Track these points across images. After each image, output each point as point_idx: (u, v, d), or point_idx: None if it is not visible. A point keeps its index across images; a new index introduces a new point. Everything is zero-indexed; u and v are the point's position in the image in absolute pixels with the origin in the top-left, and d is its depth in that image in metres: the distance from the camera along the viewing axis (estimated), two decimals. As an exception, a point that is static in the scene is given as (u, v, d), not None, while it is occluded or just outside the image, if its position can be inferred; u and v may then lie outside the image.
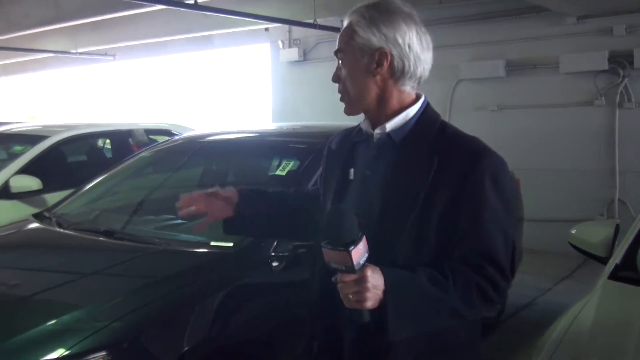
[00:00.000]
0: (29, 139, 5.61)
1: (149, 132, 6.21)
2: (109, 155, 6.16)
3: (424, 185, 1.53)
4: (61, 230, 3.30)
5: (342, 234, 1.37)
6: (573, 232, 2.59)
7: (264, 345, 2.67)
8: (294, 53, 9.77)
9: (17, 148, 6.09)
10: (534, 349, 1.97)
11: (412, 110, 1.63)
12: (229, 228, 1.89)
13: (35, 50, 11.75)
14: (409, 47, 1.58)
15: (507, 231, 1.57)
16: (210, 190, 1.86)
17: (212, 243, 2.87)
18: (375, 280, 1.39)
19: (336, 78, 1.67)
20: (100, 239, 3.08)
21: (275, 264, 2.79)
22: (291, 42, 9.89)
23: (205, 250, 2.86)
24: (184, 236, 3.05)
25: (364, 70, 1.60)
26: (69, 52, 11.73)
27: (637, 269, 2.14)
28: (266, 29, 9.99)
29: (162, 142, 4.59)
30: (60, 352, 2.12)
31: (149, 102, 15.11)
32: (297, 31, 9.54)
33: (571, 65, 6.80)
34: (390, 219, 1.54)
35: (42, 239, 3.31)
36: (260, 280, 2.81)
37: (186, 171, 4.20)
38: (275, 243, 2.80)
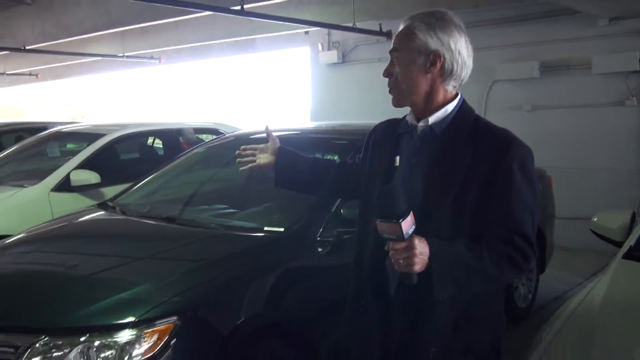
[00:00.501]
0: (86, 137, 6.02)
1: (197, 130, 6.58)
2: (160, 152, 6.54)
3: (461, 171, 1.82)
4: (126, 217, 3.68)
5: (394, 209, 1.65)
6: (594, 219, 2.83)
7: (307, 321, 2.95)
8: (333, 55, 10.06)
9: (70, 146, 6.52)
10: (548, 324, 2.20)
11: (451, 106, 1.92)
12: (277, 183, 2.32)
13: (85, 54, 12.26)
14: (459, 52, 1.87)
15: (533, 209, 1.83)
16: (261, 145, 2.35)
17: (266, 228, 3.19)
18: (421, 247, 1.67)
19: (387, 73, 1.94)
20: (163, 224, 3.43)
21: (320, 248, 3.08)
22: (330, 45, 10.19)
23: (259, 234, 3.17)
24: (240, 222, 3.37)
25: (418, 69, 1.87)
26: (116, 56, 12.23)
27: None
28: (306, 33, 10.29)
29: (214, 140, 4.95)
30: (132, 315, 2.45)
31: (193, 103, 15.59)
32: (336, 34, 9.83)
33: (603, 66, 6.98)
34: (433, 199, 1.82)
35: (110, 224, 3.68)
36: (307, 263, 3.09)
37: (235, 166, 4.52)
38: (321, 229, 3.10)
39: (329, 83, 10.35)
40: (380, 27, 8.49)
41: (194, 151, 4.60)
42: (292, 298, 2.92)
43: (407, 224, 1.65)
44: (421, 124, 1.93)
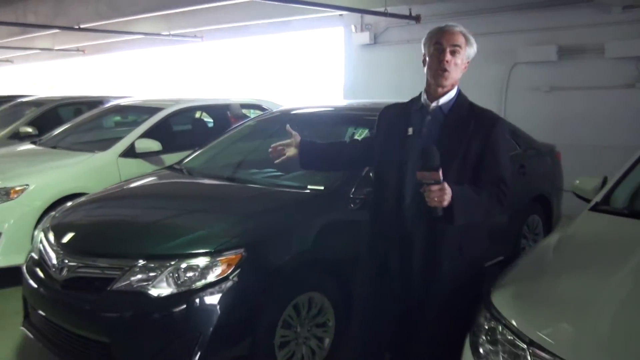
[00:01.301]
0: (145, 110, 6.78)
1: (243, 106, 7.32)
2: (209, 125, 7.30)
3: (465, 138, 2.59)
4: (192, 177, 4.46)
5: (434, 162, 2.38)
6: (575, 183, 3.51)
7: (341, 260, 3.66)
8: (365, 37, 10.69)
9: (131, 117, 7.29)
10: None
11: (453, 92, 2.68)
12: (302, 167, 3.17)
13: (136, 32, 13.07)
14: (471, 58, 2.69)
15: (508, 164, 2.64)
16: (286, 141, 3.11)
17: (309, 187, 3.92)
18: (449, 189, 2.40)
19: (448, 65, 2.61)
20: (225, 183, 4.21)
21: (352, 205, 3.80)
22: (363, 27, 10.81)
23: (304, 191, 3.91)
24: (288, 182, 4.12)
25: (461, 66, 2.66)
26: (163, 34, 13.03)
27: (610, 204, 3.07)
28: (340, 15, 10.92)
29: (261, 114, 5.70)
30: (209, 247, 3.22)
31: (233, 79, 16.31)
32: (369, 17, 10.41)
33: (616, 51, 7.52)
34: (445, 158, 2.48)
35: (182, 182, 4.47)
36: (341, 215, 3.80)
37: (280, 137, 5.26)
38: (353, 189, 3.81)
39: (361, 63, 10.99)
40: (410, 12, 9.10)
41: (246, 124, 5.36)
42: (329, 241, 3.64)
43: (441, 172, 2.37)
44: (434, 104, 2.65)
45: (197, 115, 7.66)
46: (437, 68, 2.61)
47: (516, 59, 8.52)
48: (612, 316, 2.13)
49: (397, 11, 8.97)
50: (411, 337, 2.75)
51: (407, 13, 9.09)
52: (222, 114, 7.22)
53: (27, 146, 6.78)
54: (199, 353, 3.07)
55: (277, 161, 3.16)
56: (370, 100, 6.13)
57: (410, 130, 2.69)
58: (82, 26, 11.71)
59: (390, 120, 2.84)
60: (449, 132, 2.61)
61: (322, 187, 3.86)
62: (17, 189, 5.37)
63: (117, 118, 7.54)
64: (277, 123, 5.28)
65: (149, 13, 10.42)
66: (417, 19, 9.07)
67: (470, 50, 2.66)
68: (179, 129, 7.06)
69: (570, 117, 7.98)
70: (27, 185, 5.39)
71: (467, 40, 2.65)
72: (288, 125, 3.17)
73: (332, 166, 3.30)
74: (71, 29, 12.14)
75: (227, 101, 7.41)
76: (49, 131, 7.40)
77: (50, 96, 10.13)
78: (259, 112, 6.80)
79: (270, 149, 3.18)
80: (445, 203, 2.40)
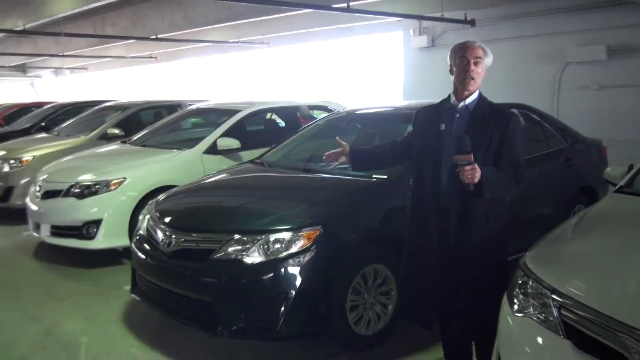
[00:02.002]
0: (223, 112, 7.52)
1: (310, 107, 7.98)
2: (280, 125, 8.01)
3: (488, 131, 3.18)
4: (273, 169, 5.16)
5: (467, 146, 2.99)
6: (607, 170, 4.02)
7: (399, 236, 4.26)
8: (423, 40, 11.26)
9: (210, 119, 8.03)
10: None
11: (476, 94, 3.27)
12: (353, 169, 3.81)
13: (208, 41, 13.96)
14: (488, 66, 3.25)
15: (522, 151, 3.26)
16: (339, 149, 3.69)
17: (374, 176, 4.55)
18: (479, 168, 3.00)
19: (473, 73, 3.21)
20: (302, 174, 4.89)
21: (409, 192, 4.40)
22: (421, 31, 11.39)
23: (370, 179, 4.54)
24: (357, 173, 4.76)
25: (482, 73, 3.24)
26: (232, 42, 13.88)
27: (632, 187, 3.60)
28: (399, 20, 11.51)
29: (330, 114, 6.37)
30: (292, 224, 3.89)
31: (298, 82, 17.08)
32: (426, 21, 10.97)
33: (662, 50, 7.89)
34: (474, 150, 3.10)
35: (264, 173, 5.17)
36: (400, 201, 4.35)
37: (346, 134, 5.92)
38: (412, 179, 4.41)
39: (419, 65, 11.56)
40: (466, 16, 9.62)
41: (316, 123, 6.04)
42: (391, 221, 4.24)
43: (472, 155, 2.99)
44: (461, 104, 3.26)
45: (269, 116, 8.37)
46: (464, 77, 3.21)
47: (567, 59, 8.94)
48: (616, 269, 2.68)
49: (453, 16, 9.50)
50: (450, 302, 3.34)
51: (463, 18, 9.60)
52: (292, 115, 7.91)
53: (119, 145, 7.63)
54: (284, 310, 3.74)
55: (331, 167, 3.87)
56: (428, 100, 6.69)
57: (442, 126, 3.30)
58: (158, 36, 12.64)
59: (425, 119, 3.46)
60: (474, 126, 3.21)
61: (385, 176, 4.47)
62: (116, 181, 6.19)
63: (198, 120, 8.31)
64: (344, 122, 5.98)
65: (220, 24, 11.24)
66: (472, 22, 9.58)
67: (487, 60, 3.26)
68: (254, 128, 7.78)
69: (618, 114, 8.36)
70: (124, 178, 6.20)
71: (485, 52, 3.24)
72: (337, 137, 3.79)
73: (379, 165, 3.99)
74: (147, 39, 13.10)
75: (296, 103, 8.09)
76: (133, 132, 8.27)
77: (132, 101, 11.02)
78: (325, 113, 7.43)
79: (324, 157, 3.82)
80: (476, 179, 3.01)
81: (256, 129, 7.81)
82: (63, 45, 16.64)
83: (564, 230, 3.19)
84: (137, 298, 4.52)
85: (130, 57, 18.63)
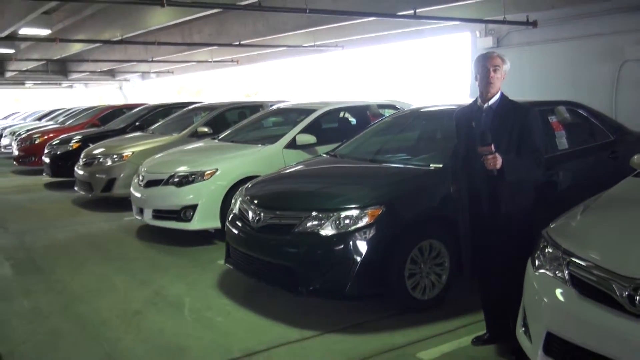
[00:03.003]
0: (301, 112, 8.37)
1: (379, 106, 8.72)
2: (352, 122, 8.79)
3: (509, 125, 3.88)
4: (344, 160, 5.97)
5: (487, 140, 3.71)
6: (633, 159, 4.60)
7: (452, 215, 4.93)
8: (488, 41, 11.81)
9: (290, 118, 8.88)
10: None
11: (498, 95, 3.97)
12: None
13: (287, 45, 14.91)
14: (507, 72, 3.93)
15: (540, 139, 3.94)
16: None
17: (431, 165, 5.27)
18: (499, 157, 3.71)
19: (493, 79, 3.93)
20: (369, 164, 5.68)
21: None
22: (487, 32, 11.94)
23: (428, 168, 5.26)
24: (416, 162, 5.51)
25: (501, 78, 3.93)
26: (308, 45, 14.77)
27: (653, 172, 4.19)
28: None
29: (395, 112, 7.12)
30: (359, 204, 4.67)
31: (369, 82, 17.89)
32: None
33: None
34: (498, 142, 3.80)
35: (336, 164, 5.98)
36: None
37: (411, 130, 6.66)
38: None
39: (485, 65, 12.08)
40: (527, 18, 10.14)
41: (384, 120, 6.81)
42: (444, 202, 4.93)
43: (493, 146, 3.69)
44: (486, 105, 3.95)
45: (342, 114, 9.15)
46: (486, 82, 3.92)
47: (625, 57, 9.32)
48: (613, 234, 3.33)
49: (515, 18, 10.03)
50: (484, 259, 4.05)
51: (525, 20, 10.12)
52: (362, 113, 8.67)
53: (212, 142, 8.61)
54: (352, 275, 4.53)
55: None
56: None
57: (473, 124, 4.01)
58: (241, 42, 13.68)
59: (460, 119, 4.19)
60: (498, 122, 3.91)
61: (441, 165, 5.19)
62: (209, 172, 7.13)
63: (278, 118, 9.21)
64: (409, 119, 6.73)
65: (298, 30, 12.14)
66: (534, 24, 10.09)
67: (505, 67, 3.96)
68: (328, 126, 8.58)
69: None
70: (216, 169, 7.14)
71: (503, 60, 3.95)
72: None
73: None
74: (230, 45, 14.17)
75: (366, 103, 8.85)
76: (220, 131, 9.23)
77: (218, 102, 12.06)
78: (393, 111, 8.16)
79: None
80: (498, 166, 3.72)
81: (330, 126, 8.60)
82: (152, 52, 18.00)
83: (582, 207, 3.84)
84: (230, 267, 5.42)
85: (214, 61, 19.87)
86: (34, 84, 32.52)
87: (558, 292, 3.27)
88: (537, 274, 3.46)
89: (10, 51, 19.63)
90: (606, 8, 9.27)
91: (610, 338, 2.94)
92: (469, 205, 4.08)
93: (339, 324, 4.64)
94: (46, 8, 10.63)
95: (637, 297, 2.85)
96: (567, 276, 3.25)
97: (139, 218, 7.69)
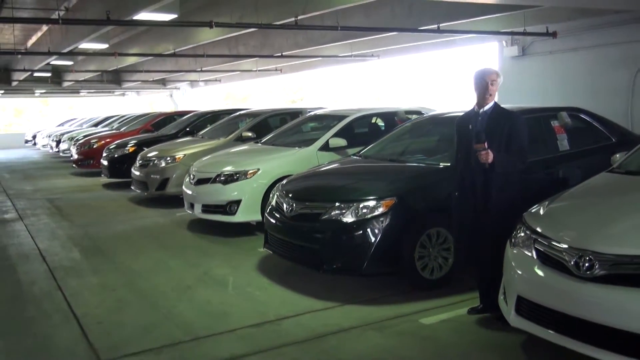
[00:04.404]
0: (335, 117, 9.23)
1: (407, 112, 9.51)
2: (381, 127, 9.61)
3: (500, 129, 4.68)
4: (367, 160, 6.81)
5: (482, 137, 4.54)
6: (614, 157, 5.30)
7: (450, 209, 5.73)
8: (514, 50, 12.52)
9: (325, 123, 9.74)
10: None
11: (492, 103, 4.78)
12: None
13: (326, 56, 15.82)
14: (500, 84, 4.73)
15: (526, 140, 4.74)
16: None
17: (441, 164, 6.06)
18: (491, 152, 4.53)
19: (490, 91, 4.76)
20: (388, 163, 6.52)
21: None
22: (512, 41, 12.62)
23: (439, 166, 6.06)
24: (429, 161, 6.31)
25: (496, 90, 4.76)
26: (344, 55, 15.65)
27: (621, 167, 4.91)
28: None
29: (416, 118, 7.93)
30: (375, 196, 5.50)
31: (403, 89, 18.68)
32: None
33: None
34: (490, 141, 4.62)
35: (360, 163, 6.83)
36: None
37: (428, 135, 7.46)
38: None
39: (511, 72, 12.78)
40: (547, 29, 10.80)
41: (404, 125, 7.63)
42: (451, 196, 5.67)
43: (486, 143, 4.50)
44: (482, 110, 4.76)
45: (374, 120, 9.97)
46: (484, 94, 4.74)
47: (639, 65, 9.91)
48: (572, 216, 4.12)
49: (536, 30, 10.72)
50: (477, 237, 4.83)
51: (544, 31, 10.79)
52: (390, 118, 9.48)
53: (255, 145, 9.56)
54: (368, 255, 5.36)
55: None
56: (521, 105, 7.94)
57: (470, 127, 4.81)
58: (284, 54, 14.64)
59: (461, 122, 5.01)
60: (491, 125, 4.71)
61: (449, 164, 5.97)
62: (252, 171, 8.08)
63: (314, 123, 10.11)
64: (427, 124, 7.54)
65: (335, 42, 13.02)
66: (553, 34, 10.75)
67: (499, 80, 4.80)
68: (359, 130, 9.41)
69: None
70: (258, 169, 8.07)
71: (497, 75, 4.79)
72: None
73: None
74: (272, 56, 15.14)
75: (394, 109, 9.67)
76: (262, 135, 10.17)
77: (261, 109, 13.02)
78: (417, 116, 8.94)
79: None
80: (490, 160, 4.54)
81: (361, 130, 9.43)
82: (201, 63, 19.16)
83: (556, 196, 4.61)
84: (269, 251, 6.33)
85: (258, 70, 20.95)
86: (88, 92, 34.27)
87: (527, 264, 4.06)
88: (514, 251, 4.25)
89: (69, 63, 21.07)
90: (621, 18, 9.87)
91: (562, 296, 3.74)
92: (466, 194, 4.88)
93: (358, 297, 5.48)
94: (107, 30, 11.76)
95: (581, 264, 3.63)
96: (534, 251, 4.04)
97: (190, 212, 8.68)
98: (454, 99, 17.05)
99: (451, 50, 15.43)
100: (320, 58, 16.85)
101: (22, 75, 23.48)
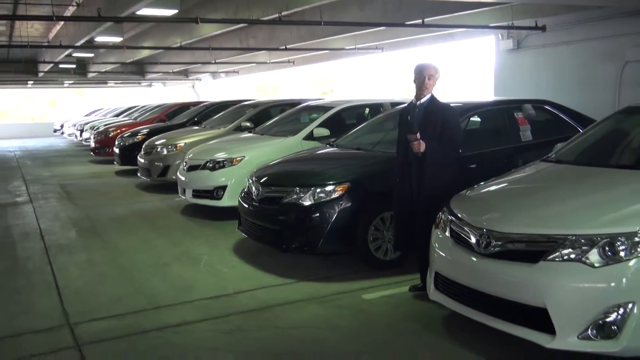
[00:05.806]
0: (323, 109, 9.68)
1: (393, 104, 9.89)
2: (368, 118, 9.99)
3: (435, 120, 5.09)
4: (339, 148, 7.25)
5: (414, 129, 4.96)
6: (556, 146, 5.66)
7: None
8: (509, 43, 12.79)
9: (314, 115, 10.20)
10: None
11: (428, 96, 5.18)
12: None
13: (332, 49, 16.22)
14: (437, 78, 5.15)
15: (459, 130, 5.19)
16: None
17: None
18: (423, 143, 4.94)
19: (427, 84, 5.17)
20: (354, 150, 6.95)
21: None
22: (508, 35, 12.88)
23: (393, 153, 6.46)
24: (389, 150, 6.72)
25: (433, 84, 5.17)
26: (349, 48, 16.03)
27: (554, 157, 5.27)
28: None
29: (391, 109, 8.34)
30: (332, 181, 5.95)
31: (405, 82, 19.00)
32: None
33: None
34: (424, 130, 5.04)
35: (329, 151, 7.27)
36: None
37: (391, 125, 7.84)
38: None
39: (507, 65, 13.10)
40: (536, 23, 11.07)
41: (378, 117, 8.06)
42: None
43: (419, 134, 4.91)
44: (419, 102, 5.16)
45: (367, 111, 10.34)
46: (421, 87, 5.12)
47: (625, 58, 10.15)
48: (484, 200, 4.52)
49: (525, 24, 10.99)
50: (412, 221, 5.23)
51: (533, 25, 11.06)
52: (377, 110, 9.84)
53: (246, 134, 10.06)
54: (324, 235, 5.81)
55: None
56: (510, 98, 8.30)
57: (409, 117, 5.21)
58: (288, 47, 15.10)
59: (402, 114, 5.40)
60: (427, 117, 5.10)
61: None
62: (238, 158, 8.59)
63: (307, 114, 10.56)
64: (393, 117, 7.92)
65: (335, 35, 13.42)
66: (542, 28, 11.02)
67: (437, 75, 5.15)
68: (347, 121, 9.82)
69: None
70: (244, 156, 8.57)
71: (435, 70, 5.13)
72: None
73: None
74: (278, 49, 15.61)
75: (381, 101, 10.08)
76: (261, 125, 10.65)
77: (263, 100, 13.52)
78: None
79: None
80: (422, 149, 4.94)
81: (349, 121, 9.82)
82: (215, 55, 19.72)
83: (483, 184, 5.00)
84: (241, 232, 6.82)
85: (271, 62, 21.46)
86: (115, 83, 35.19)
87: (444, 244, 4.49)
88: (437, 233, 4.66)
89: (90, 55, 21.87)
90: (607, 13, 10.11)
91: (466, 271, 4.16)
92: (404, 181, 5.29)
93: (313, 275, 5.96)
94: (108, 25, 12.35)
95: (481, 241, 4.04)
96: (449, 232, 4.46)
97: (183, 197, 9.24)
98: (455, 91, 17.26)
99: (452, 44, 15.72)
100: (326, 51, 17.26)
101: (47, 67, 24.33)
